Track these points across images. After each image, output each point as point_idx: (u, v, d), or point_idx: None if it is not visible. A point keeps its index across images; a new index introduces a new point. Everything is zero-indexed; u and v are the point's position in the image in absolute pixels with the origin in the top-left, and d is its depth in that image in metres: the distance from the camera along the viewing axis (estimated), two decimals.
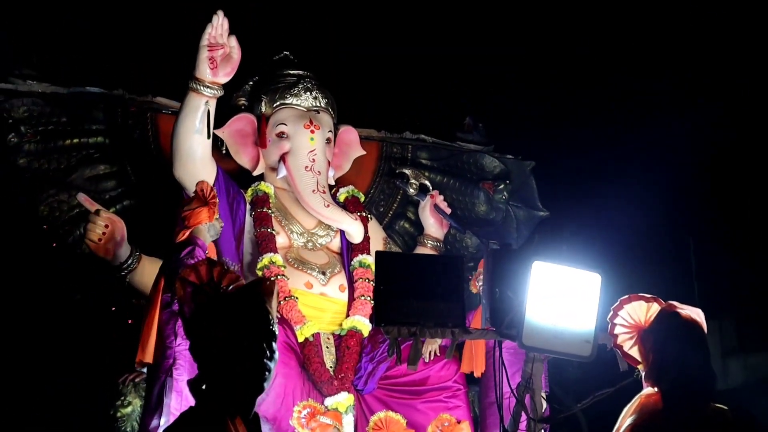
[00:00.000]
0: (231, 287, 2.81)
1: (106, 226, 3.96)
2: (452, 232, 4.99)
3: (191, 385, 2.68)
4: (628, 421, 2.90)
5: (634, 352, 3.07)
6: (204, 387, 2.63)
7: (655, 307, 3.07)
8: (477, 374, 4.29)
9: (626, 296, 3.13)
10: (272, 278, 4.24)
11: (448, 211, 4.86)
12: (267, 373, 2.67)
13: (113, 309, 4.18)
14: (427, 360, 4.26)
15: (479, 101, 5.56)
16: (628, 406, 2.98)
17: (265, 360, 2.66)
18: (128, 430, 3.73)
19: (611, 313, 3.11)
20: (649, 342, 3.00)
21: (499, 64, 5.53)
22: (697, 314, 3.04)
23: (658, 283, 3.51)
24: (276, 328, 2.74)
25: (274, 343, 2.70)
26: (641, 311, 3.07)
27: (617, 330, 3.10)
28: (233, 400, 2.62)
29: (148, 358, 3.36)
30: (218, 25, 4.07)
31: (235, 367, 2.62)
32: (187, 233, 3.66)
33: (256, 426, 2.70)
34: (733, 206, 5.49)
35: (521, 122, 5.59)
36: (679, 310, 3.02)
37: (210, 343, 2.65)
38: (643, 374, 3.03)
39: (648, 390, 2.98)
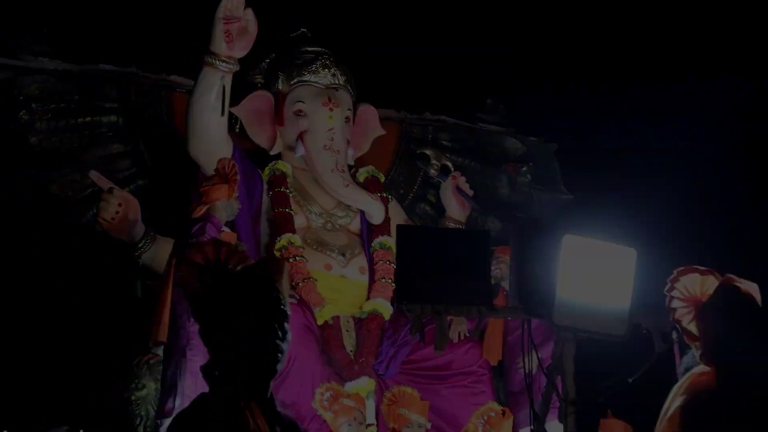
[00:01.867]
0: (239, 267, 2.66)
1: (120, 205, 3.86)
2: (474, 216, 4.85)
3: (204, 371, 2.54)
4: (678, 401, 2.72)
5: (693, 328, 2.90)
6: (216, 373, 2.50)
7: (711, 280, 2.89)
8: (493, 362, 4.19)
9: (682, 268, 2.97)
10: (290, 259, 4.13)
11: (471, 193, 4.70)
12: (280, 354, 2.53)
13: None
14: (455, 341, 4.13)
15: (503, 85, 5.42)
16: (678, 384, 2.81)
17: (277, 341, 2.52)
18: (143, 413, 3.60)
19: (668, 285, 2.95)
20: (708, 318, 2.83)
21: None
22: (754, 290, 2.88)
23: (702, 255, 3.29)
24: (288, 308, 2.59)
25: (286, 324, 2.56)
26: (696, 284, 2.91)
27: (675, 304, 2.92)
28: (247, 385, 2.49)
29: (163, 337, 3.26)
30: None
31: (247, 350, 2.48)
32: (204, 210, 3.55)
33: (272, 409, 2.56)
34: None
35: (544, 105, 5.44)
36: (738, 284, 2.85)
37: (219, 326, 2.51)
38: (698, 352, 2.87)
39: (700, 368, 2.81)
